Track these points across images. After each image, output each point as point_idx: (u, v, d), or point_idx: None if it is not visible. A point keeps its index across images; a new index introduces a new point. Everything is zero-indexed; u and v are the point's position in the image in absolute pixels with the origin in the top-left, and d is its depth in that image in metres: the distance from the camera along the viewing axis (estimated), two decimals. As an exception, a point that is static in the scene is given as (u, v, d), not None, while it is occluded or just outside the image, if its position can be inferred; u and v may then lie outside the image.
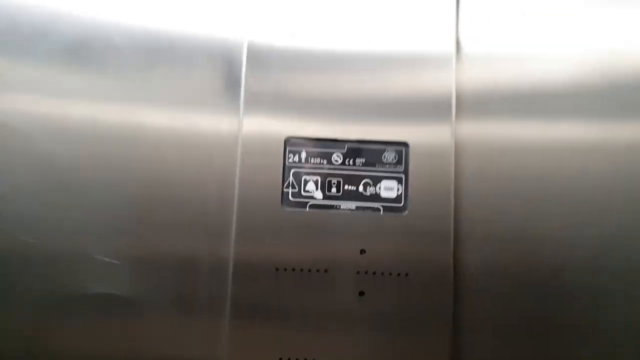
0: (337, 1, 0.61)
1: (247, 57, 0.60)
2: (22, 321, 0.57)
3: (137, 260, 0.58)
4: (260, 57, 0.60)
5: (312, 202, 0.58)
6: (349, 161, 0.59)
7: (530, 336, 0.58)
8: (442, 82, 0.60)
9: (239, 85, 0.60)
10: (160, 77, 0.61)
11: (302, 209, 0.58)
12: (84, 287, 0.57)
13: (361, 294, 0.57)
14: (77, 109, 0.60)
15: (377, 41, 0.61)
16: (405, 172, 0.59)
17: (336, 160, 0.59)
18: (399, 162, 0.59)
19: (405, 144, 0.59)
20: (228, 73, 0.61)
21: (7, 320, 0.58)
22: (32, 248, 0.57)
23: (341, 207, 0.58)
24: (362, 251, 0.57)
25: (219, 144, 0.60)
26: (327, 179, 0.59)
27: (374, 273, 0.57)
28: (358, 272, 0.57)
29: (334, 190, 0.58)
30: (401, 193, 0.58)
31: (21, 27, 0.61)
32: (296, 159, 0.59)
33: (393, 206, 0.58)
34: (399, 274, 0.57)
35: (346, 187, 0.59)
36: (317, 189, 0.58)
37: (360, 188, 0.59)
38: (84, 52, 0.61)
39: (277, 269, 0.57)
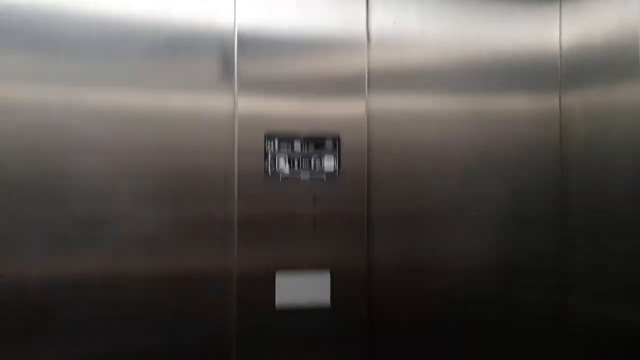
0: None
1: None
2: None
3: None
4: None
5: (282, 175, 0.94)
6: (304, 146, 0.95)
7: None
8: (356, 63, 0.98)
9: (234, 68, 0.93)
10: (167, 64, 0.91)
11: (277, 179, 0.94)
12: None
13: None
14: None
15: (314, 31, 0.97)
16: (339, 153, 0.96)
17: (297, 146, 0.95)
18: (334, 147, 0.96)
19: (338, 135, 0.96)
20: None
21: None
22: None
23: (301, 176, 0.95)
24: (314, 199, 0.95)
25: (218, 120, 0.93)
26: (292, 158, 0.95)
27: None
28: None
29: (296, 166, 0.95)
30: (336, 167, 0.96)
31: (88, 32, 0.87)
32: (271, 146, 0.94)
33: (331, 175, 0.96)
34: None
35: (303, 163, 0.95)
36: (285, 165, 0.94)
37: (312, 164, 0.95)
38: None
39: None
